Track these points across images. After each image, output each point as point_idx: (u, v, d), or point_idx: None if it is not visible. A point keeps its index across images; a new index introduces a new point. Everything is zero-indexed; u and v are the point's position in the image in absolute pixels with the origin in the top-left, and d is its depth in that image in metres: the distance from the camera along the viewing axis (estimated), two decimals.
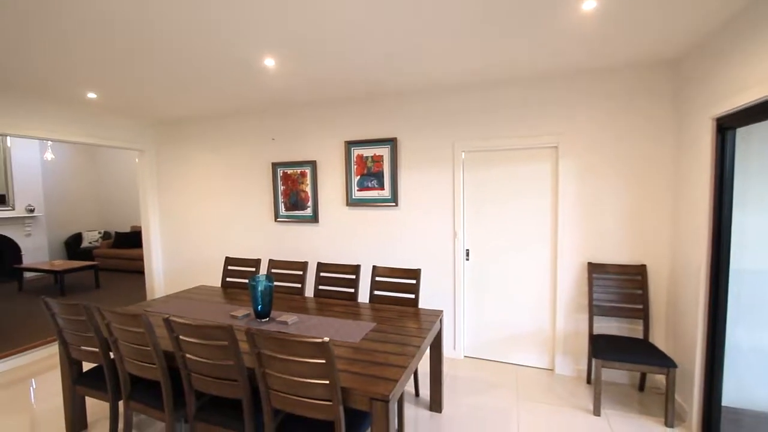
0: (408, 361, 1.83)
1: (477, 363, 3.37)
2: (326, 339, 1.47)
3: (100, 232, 7.90)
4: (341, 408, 1.57)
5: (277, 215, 4.06)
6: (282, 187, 4.01)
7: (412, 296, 2.79)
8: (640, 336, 2.87)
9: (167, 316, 1.81)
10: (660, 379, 2.88)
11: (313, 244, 3.95)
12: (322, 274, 3.09)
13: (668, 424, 2.42)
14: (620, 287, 2.89)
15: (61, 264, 5.75)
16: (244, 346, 1.94)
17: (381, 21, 2.04)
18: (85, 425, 2.51)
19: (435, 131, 3.40)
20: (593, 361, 2.61)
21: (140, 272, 6.75)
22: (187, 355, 1.83)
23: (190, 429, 1.96)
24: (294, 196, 3.97)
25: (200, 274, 4.62)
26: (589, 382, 2.98)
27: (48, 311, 2.21)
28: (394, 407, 1.59)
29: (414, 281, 2.79)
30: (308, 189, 3.90)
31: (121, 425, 2.40)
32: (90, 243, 7.73)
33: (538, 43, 2.37)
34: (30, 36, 2.16)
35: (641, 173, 2.86)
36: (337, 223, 3.83)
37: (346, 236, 3.79)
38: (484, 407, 2.69)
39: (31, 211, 6.71)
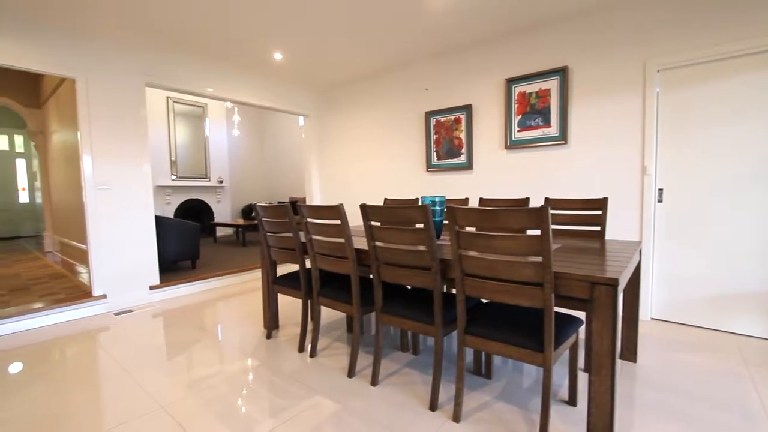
0: (625, 263, 1.55)
1: (671, 327, 2.79)
2: (544, 205, 1.32)
3: (265, 203, 9.29)
4: (552, 295, 1.40)
5: (429, 165, 4.07)
6: (434, 136, 4.00)
7: (597, 228, 2.43)
8: None
9: (363, 203, 1.90)
10: None
11: (467, 192, 3.84)
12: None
13: None
14: None
15: (243, 222, 6.92)
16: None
17: None
18: (277, 325, 2.88)
19: (617, 51, 2.92)
20: None
21: None
22: (378, 244, 1.90)
23: (376, 322, 2.04)
24: (447, 143, 3.91)
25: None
26: None
27: (256, 215, 2.58)
28: (620, 296, 1.35)
29: (599, 212, 2.43)
30: (462, 135, 3.80)
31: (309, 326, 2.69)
32: None
33: None
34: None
35: None
36: (493, 168, 3.63)
37: (504, 181, 3.57)
38: (696, 366, 2.18)
39: (221, 182, 8.25)
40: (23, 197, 9.14)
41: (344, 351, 2.46)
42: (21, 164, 9.03)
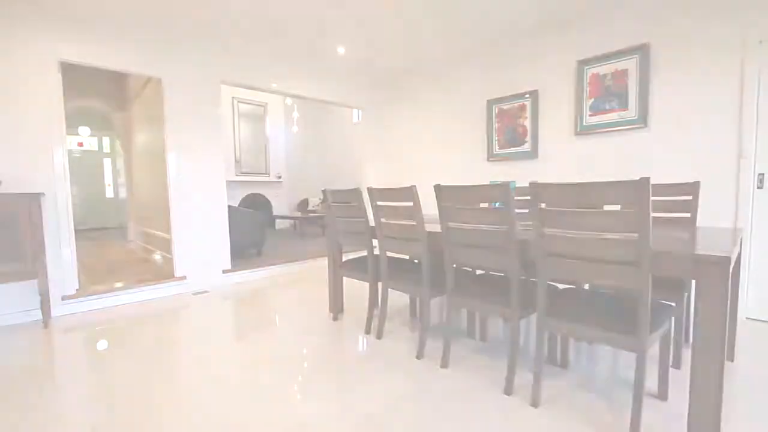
0: (731, 245, 1.41)
1: None
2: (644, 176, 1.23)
3: (319, 198, 9.58)
4: (650, 275, 1.31)
5: (490, 154, 3.98)
6: (497, 125, 3.90)
7: (687, 215, 2.23)
8: None
9: (437, 183, 1.90)
10: None
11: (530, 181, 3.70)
12: None
13: None
14: None
15: (301, 214, 7.22)
16: None
17: None
18: (342, 309, 2.97)
19: (709, 21, 2.66)
20: None
21: None
22: (451, 224, 1.89)
23: (447, 306, 2.04)
24: (510, 132, 3.80)
25: None
26: None
27: (326, 200, 2.67)
28: (729, 275, 1.23)
29: (689, 197, 2.23)
30: (527, 123, 3.66)
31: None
32: (313, 206, 9.47)
33: None
34: None
35: None
36: (560, 156, 3.47)
37: (572, 169, 3.39)
38: None
39: (279, 177, 8.66)
40: (109, 192, 10.20)
41: (409, 335, 2.48)
42: (107, 163, 10.08)
